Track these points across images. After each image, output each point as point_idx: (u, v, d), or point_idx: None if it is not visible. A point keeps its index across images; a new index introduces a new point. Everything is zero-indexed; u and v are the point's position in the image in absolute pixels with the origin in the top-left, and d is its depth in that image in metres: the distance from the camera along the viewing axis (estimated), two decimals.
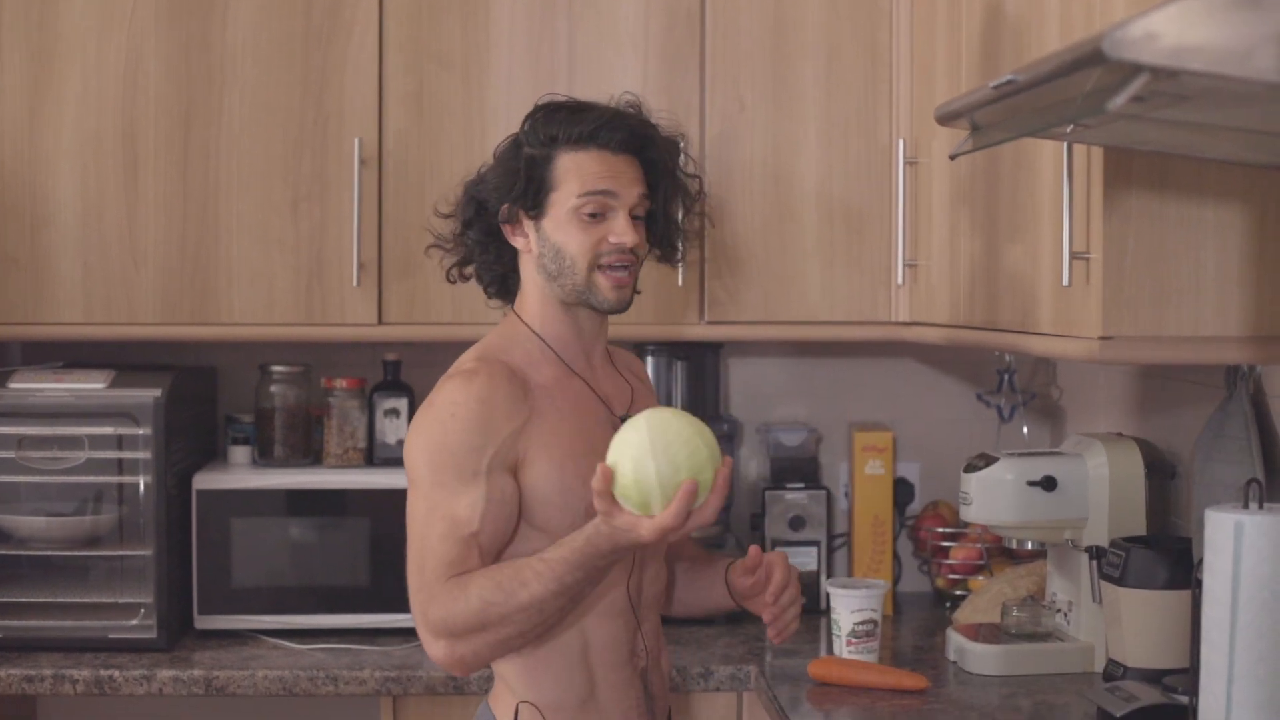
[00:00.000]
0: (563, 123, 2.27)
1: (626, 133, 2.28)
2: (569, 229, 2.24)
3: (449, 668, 2.17)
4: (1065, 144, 2.10)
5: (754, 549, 2.35)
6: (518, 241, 2.29)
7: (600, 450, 2.14)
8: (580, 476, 2.18)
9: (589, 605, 2.23)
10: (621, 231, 2.24)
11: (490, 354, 2.28)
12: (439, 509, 2.16)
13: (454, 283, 2.43)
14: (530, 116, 2.32)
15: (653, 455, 2.01)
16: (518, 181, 2.25)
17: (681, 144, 2.36)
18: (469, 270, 2.41)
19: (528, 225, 2.28)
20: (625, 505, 2.04)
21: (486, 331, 3.03)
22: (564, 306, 2.30)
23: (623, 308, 2.29)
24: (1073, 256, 2.11)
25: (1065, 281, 2.12)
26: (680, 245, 2.42)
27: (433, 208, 2.46)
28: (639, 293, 2.35)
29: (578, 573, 2.10)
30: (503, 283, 2.37)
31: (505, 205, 2.27)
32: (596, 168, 2.25)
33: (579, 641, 2.25)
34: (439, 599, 2.13)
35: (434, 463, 2.18)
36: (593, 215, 2.24)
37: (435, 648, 2.15)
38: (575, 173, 2.25)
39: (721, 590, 2.43)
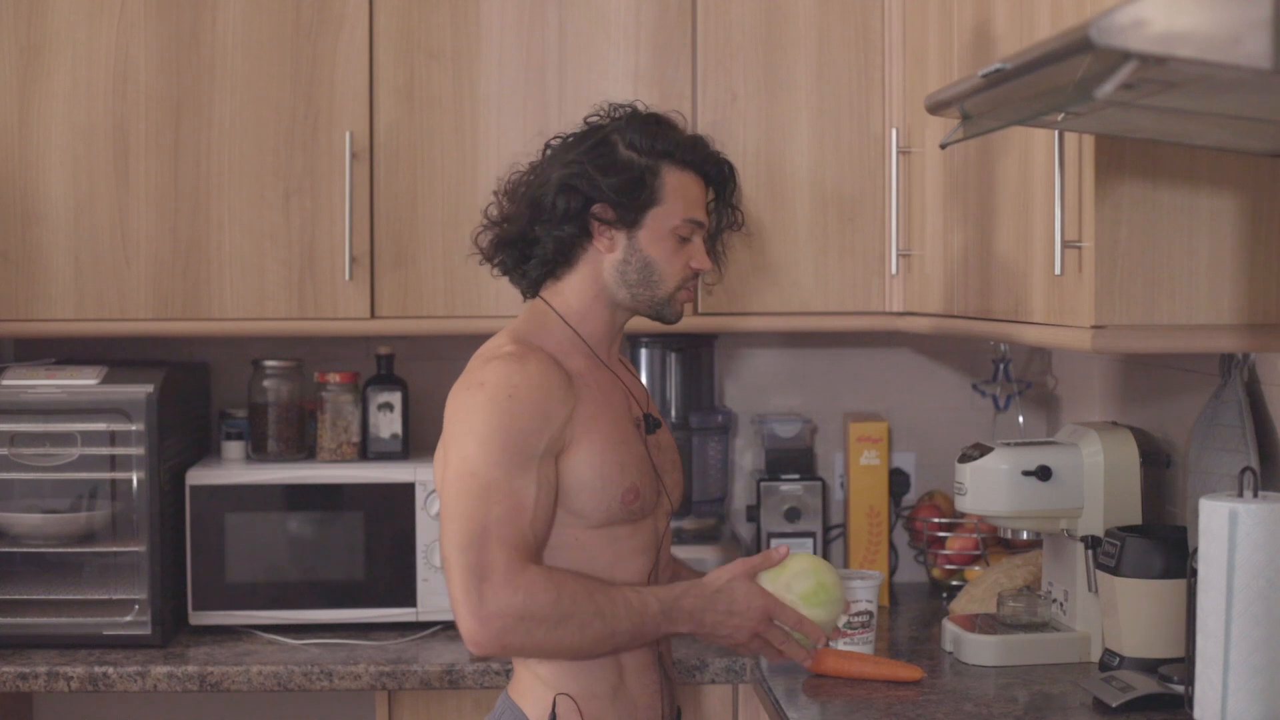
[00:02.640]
0: (671, 139, 2.33)
1: (722, 168, 2.39)
2: (665, 247, 2.31)
3: (482, 646, 2.14)
4: (1056, 132, 2.09)
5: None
6: (602, 242, 2.31)
7: (629, 444, 2.28)
8: (618, 464, 2.25)
9: None
10: (703, 259, 2.35)
11: (525, 339, 2.29)
12: (497, 489, 2.15)
13: (497, 277, 2.42)
14: (628, 122, 2.33)
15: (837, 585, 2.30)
16: (629, 188, 2.28)
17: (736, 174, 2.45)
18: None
19: (618, 232, 2.30)
20: (807, 605, 2.27)
21: (480, 325, 3.05)
22: (610, 307, 2.34)
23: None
24: (1065, 245, 2.11)
25: (1058, 270, 2.11)
26: (720, 266, 2.50)
27: (492, 191, 2.41)
28: None
29: (660, 617, 2.21)
30: (539, 278, 2.36)
31: (605, 205, 2.29)
32: (697, 193, 2.34)
33: None
34: (512, 581, 2.12)
35: (492, 443, 2.16)
36: (683, 239, 2.33)
37: (489, 625, 2.12)
38: (681, 194, 2.31)
39: None
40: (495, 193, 2.41)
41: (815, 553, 3.26)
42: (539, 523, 2.18)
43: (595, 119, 2.37)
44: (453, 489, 2.18)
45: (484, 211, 2.40)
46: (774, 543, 3.24)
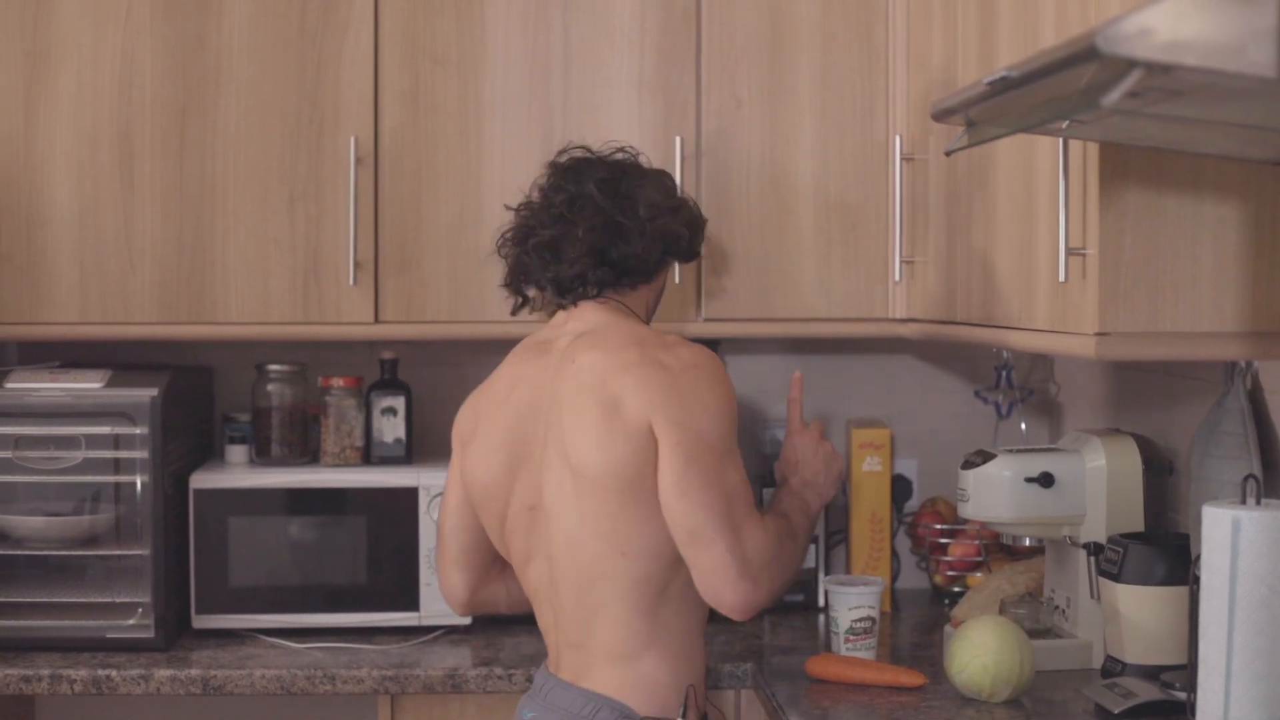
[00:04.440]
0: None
1: None
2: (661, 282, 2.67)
3: (759, 604, 2.34)
4: (1061, 140, 2.09)
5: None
6: (659, 277, 2.62)
7: None
8: None
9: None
10: None
11: (648, 330, 2.55)
12: (733, 458, 2.37)
13: (594, 295, 2.56)
14: (686, 202, 2.66)
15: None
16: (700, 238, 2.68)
17: None
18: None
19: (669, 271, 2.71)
20: (966, 679, 2.50)
21: (483, 330, 3.06)
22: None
23: None
24: (1069, 252, 2.11)
25: (1062, 277, 2.11)
26: None
27: (523, 202, 2.62)
28: None
29: (805, 523, 2.54)
30: (633, 282, 2.58)
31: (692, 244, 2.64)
32: None
33: (703, 615, 2.48)
34: (761, 536, 2.36)
35: (723, 418, 2.38)
36: None
37: (759, 585, 2.33)
38: None
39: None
40: (541, 203, 2.58)
41: (816, 560, 3.26)
42: None
43: (622, 155, 2.61)
44: (695, 465, 2.31)
45: (524, 221, 2.58)
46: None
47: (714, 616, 3.14)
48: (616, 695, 2.37)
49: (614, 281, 2.53)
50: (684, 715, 2.37)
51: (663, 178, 2.62)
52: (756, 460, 3.49)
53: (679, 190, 2.70)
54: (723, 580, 2.31)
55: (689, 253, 2.65)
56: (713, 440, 2.34)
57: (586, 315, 2.51)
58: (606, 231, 2.50)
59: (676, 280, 3.05)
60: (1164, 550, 2.55)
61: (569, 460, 2.36)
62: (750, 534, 2.33)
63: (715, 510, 2.31)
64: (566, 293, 2.53)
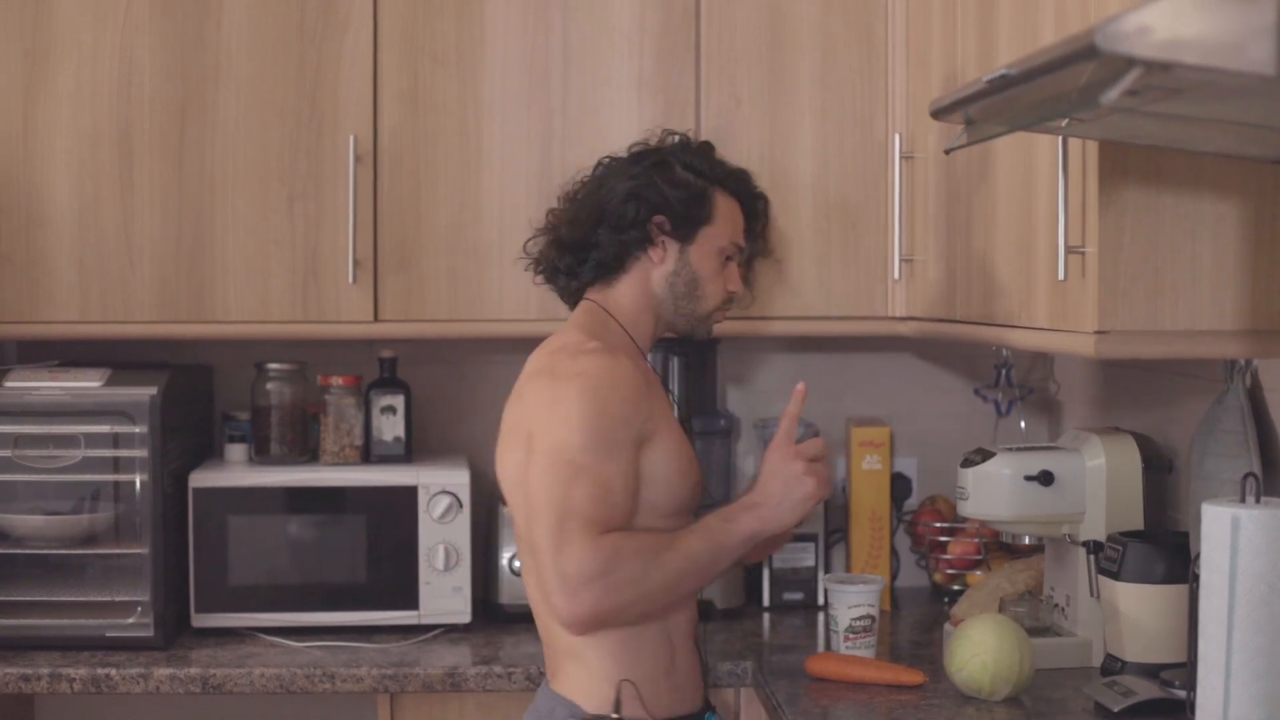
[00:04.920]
0: (723, 167, 2.55)
1: (764, 203, 2.62)
2: (711, 265, 2.49)
3: (580, 621, 2.25)
4: (1060, 138, 2.09)
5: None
6: (657, 252, 2.47)
7: (685, 438, 2.45)
8: (689, 458, 2.42)
9: None
10: (739, 282, 2.55)
11: (588, 335, 2.44)
12: (585, 473, 2.26)
13: (537, 271, 2.59)
14: (682, 148, 2.54)
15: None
16: (687, 204, 2.47)
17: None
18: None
19: (671, 245, 2.48)
20: (965, 677, 2.49)
21: (482, 328, 3.06)
22: (655, 315, 2.51)
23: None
24: (1068, 251, 2.11)
25: (1061, 276, 2.11)
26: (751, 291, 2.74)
27: (556, 198, 2.61)
28: None
29: (728, 541, 2.34)
30: (599, 277, 2.51)
31: (666, 216, 2.46)
32: (740, 219, 2.55)
33: (664, 617, 2.39)
34: (597, 549, 2.23)
35: (590, 429, 2.28)
36: (726, 260, 2.52)
37: (580, 596, 2.23)
38: (729, 217, 2.52)
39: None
40: (558, 199, 2.59)
41: (816, 559, 3.26)
42: (623, 507, 2.30)
43: (640, 145, 2.56)
44: (545, 475, 2.28)
45: (546, 219, 2.57)
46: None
47: (713, 615, 3.16)
48: (569, 694, 2.37)
49: (582, 281, 2.51)
50: (617, 710, 2.34)
51: (638, 160, 2.52)
52: (757, 459, 3.49)
53: (675, 165, 2.51)
54: (548, 590, 2.26)
55: (644, 218, 2.46)
56: (569, 452, 2.27)
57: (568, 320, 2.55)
58: (566, 233, 2.52)
59: None
60: (1163, 548, 2.55)
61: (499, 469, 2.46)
62: (575, 550, 2.22)
63: (547, 522, 2.26)
64: (561, 298, 2.59)
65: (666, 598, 2.32)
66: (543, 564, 2.26)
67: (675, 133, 2.59)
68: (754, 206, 2.60)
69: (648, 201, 2.46)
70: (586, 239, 2.48)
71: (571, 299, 2.56)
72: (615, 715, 2.35)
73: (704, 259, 2.48)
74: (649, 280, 2.48)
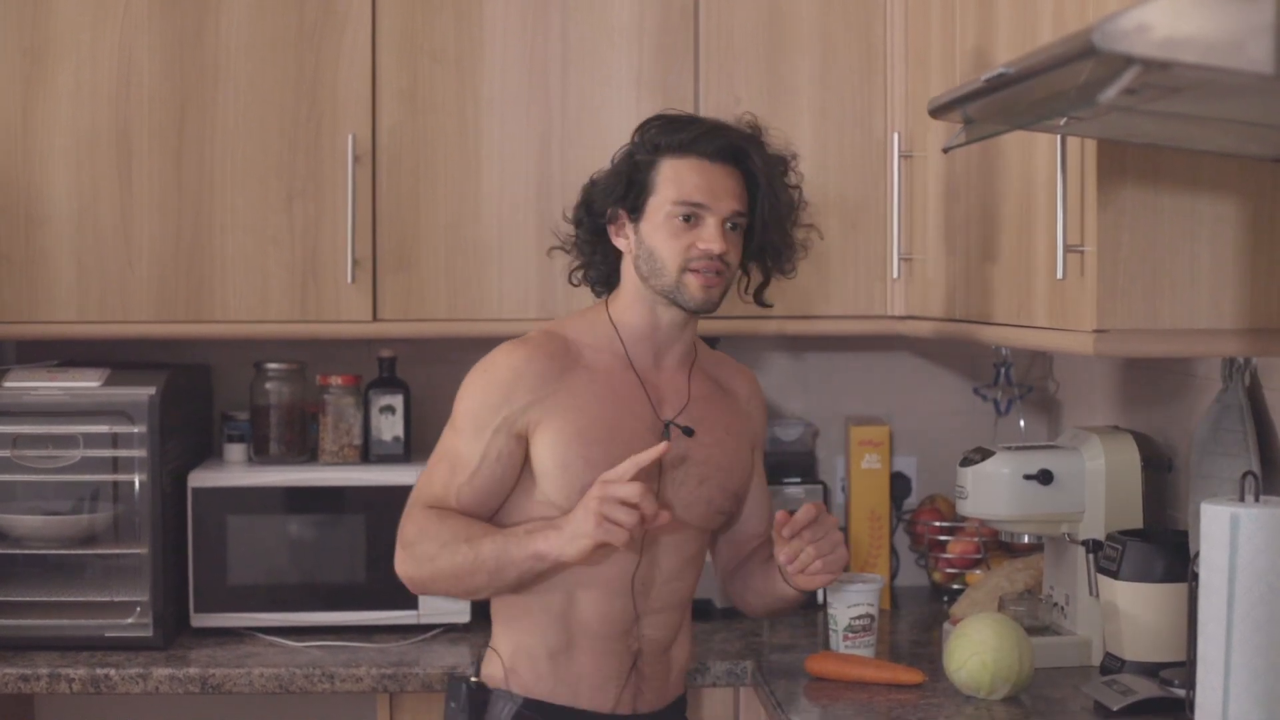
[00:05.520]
0: (667, 130, 2.42)
1: (724, 143, 2.41)
2: (662, 233, 2.39)
3: (402, 579, 2.42)
4: (1059, 137, 2.09)
5: (781, 514, 2.42)
6: (619, 242, 2.45)
7: (621, 442, 2.35)
8: (585, 459, 2.35)
9: (582, 573, 2.37)
10: (710, 239, 2.37)
11: (557, 328, 2.49)
12: (448, 449, 2.41)
13: (576, 285, 2.58)
14: (642, 125, 2.46)
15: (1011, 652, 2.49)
16: (620, 185, 2.42)
17: (791, 159, 2.50)
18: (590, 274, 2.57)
19: (628, 227, 2.43)
20: (965, 676, 2.50)
21: (482, 328, 3.06)
22: (650, 305, 2.45)
23: (710, 308, 2.42)
24: (1067, 249, 2.11)
25: (1060, 274, 2.11)
26: (787, 256, 2.52)
27: (561, 212, 2.60)
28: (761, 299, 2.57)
29: (515, 553, 2.32)
30: (608, 281, 2.52)
31: (609, 206, 2.44)
32: (693, 177, 2.39)
33: (563, 602, 2.40)
34: (416, 519, 2.39)
35: (460, 410, 2.42)
36: (686, 220, 2.38)
37: (398, 559, 2.41)
38: (674, 180, 2.39)
39: (779, 575, 2.50)
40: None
41: None
42: (475, 489, 2.38)
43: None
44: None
45: (557, 235, 2.61)
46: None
47: (712, 615, 3.16)
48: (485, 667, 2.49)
49: (600, 290, 2.55)
50: (476, 674, 2.46)
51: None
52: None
53: (628, 150, 2.45)
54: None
55: (594, 217, 2.46)
56: (452, 419, 2.43)
57: None
58: (567, 246, 2.58)
59: None
60: (1163, 547, 2.55)
61: None
62: (406, 516, 2.41)
63: (419, 481, 2.45)
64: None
65: (463, 584, 2.38)
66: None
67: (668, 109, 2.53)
68: (715, 154, 2.38)
69: (591, 198, 2.48)
70: (576, 248, 2.53)
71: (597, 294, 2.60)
72: (474, 678, 2.45)
73: (654, 229, 2.38)
74: (629, 269, 2.45)
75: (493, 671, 2.45)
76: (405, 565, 2.40)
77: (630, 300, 2.46)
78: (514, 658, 2.43)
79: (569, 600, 2.40)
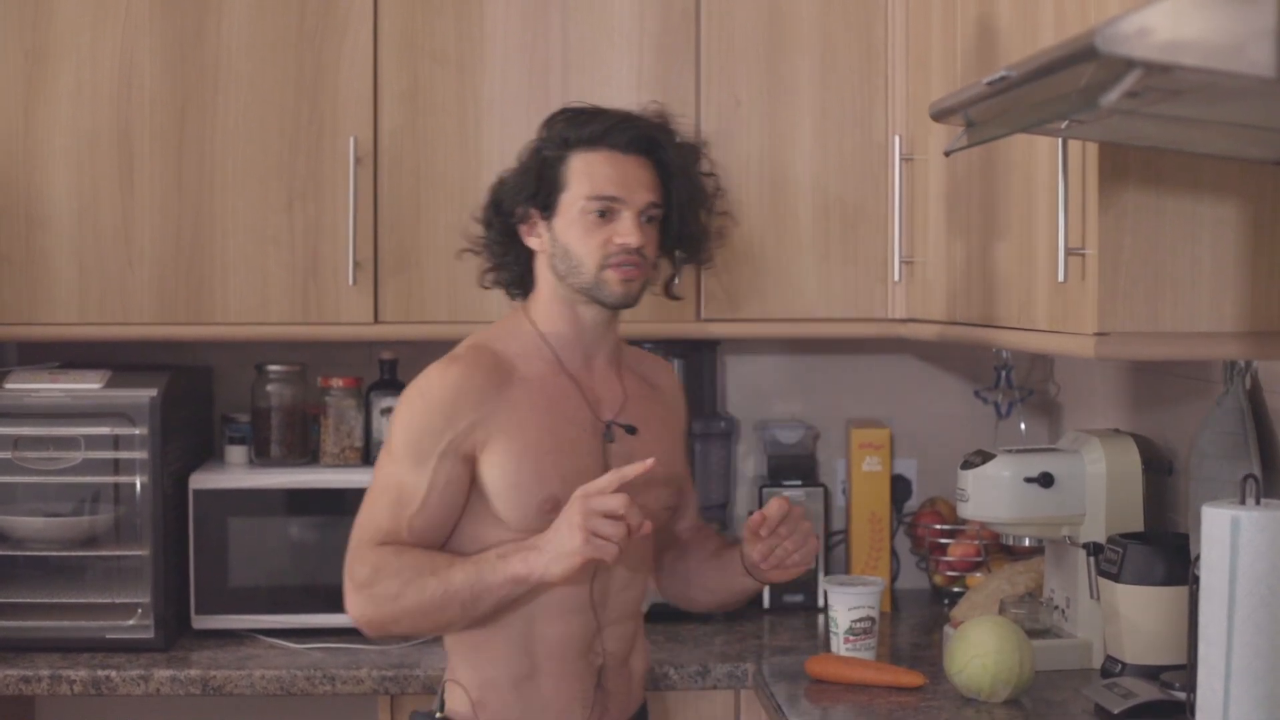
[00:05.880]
0: (575, 124, 2.35)
1: (635, 133, 2.34)
2: (577, 229, 2.31)
3: (359, 625, 2.31)
4: (1060, 140, 2.09)
5: (755, 516, 2.38)
6: (532, 241, 2.37)
7: (568, 452, 2.30)
8: (536, 473, 2.29)
9: (539, 597, 2.29)
10: (627, 232, 2.30)
11: (483, 342, 2.38)
12: (391, 480, 2.30)
13: (487, 288, 2.50)
14: (548, 120, 2.39)
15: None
16: (530, 182, 2.34)
17: (701, 147, 2.46)
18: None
19: (541, 225, 2.35)
20: (965, 679, 2.49)
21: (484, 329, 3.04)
22: (570, 305, 2.37)
23: (630, 303, 2.35)
24: (1068, 252, 2.11)
25: (1061, 277, 2.11)
26: (704, 246, 2.46)
27: (469, 213, 2.52)
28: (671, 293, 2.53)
29: (491, 580, 2.23)
30: (521, 283, 2.44)
31: (519, 206, 2.36)
32: (606, 170, 2.32)
33: (523, 627, 2.32)
34: (367, 559, 2.27)
35: (399, 438, 2.31)
36: (601, 214, 2.31)
37: (352, 603, 2.29)
38: (585, 175, 2.32)
39: (740, 569, 2.46)
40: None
41: (816, 561, 3.26)
42: (426, 518, 2.28)
43: None
44: (374, 474, 2.35)
45: (465, 237, 2.50)
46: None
47: (713, 617, 3.16)
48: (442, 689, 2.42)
49: (516, 292, 2.46)
50: (440, 709, 2.37)
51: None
52: (757, 461, 3.49)
53: (534, 146, 2.39)
54: (345, 584, 2.31)
55: (503, 216, 2.40)
56: (385, 457, 2.32)
57: None
58: (478, 247, 2.50)
59: (676, 280, 3.05)
60: (1163, 550, 2.55)
61: None
62: (355, 555, 2.29)
63: (357, 519, 2.33)
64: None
65: (433, 620, 2.28)
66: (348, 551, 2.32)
67: (572, 103, 2.43)
68: (626, 145, 2.32)
69: (497, 199, 2.40)
70: (485, 250, 2.45)
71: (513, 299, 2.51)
72: (439, 714, 2.36)
73: (567, 225, 2.31)
74: (544, 269, 2.37)
75: (458, 706, 2.35)
76: (363, 607, 2.27)
77: (549, 302, 2.38)
78: (481, 690, 2.34)
79: (529, 624, 2.32)
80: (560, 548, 2.19)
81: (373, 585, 2.26)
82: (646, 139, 2.35)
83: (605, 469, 2.31)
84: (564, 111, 2.39)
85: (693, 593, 2.58)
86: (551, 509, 2.26)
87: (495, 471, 2.28)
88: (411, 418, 2.31)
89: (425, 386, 2.32)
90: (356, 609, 2.29)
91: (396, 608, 2.25)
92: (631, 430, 2.38)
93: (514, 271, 2.42)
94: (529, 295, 2.43)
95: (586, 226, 2.31)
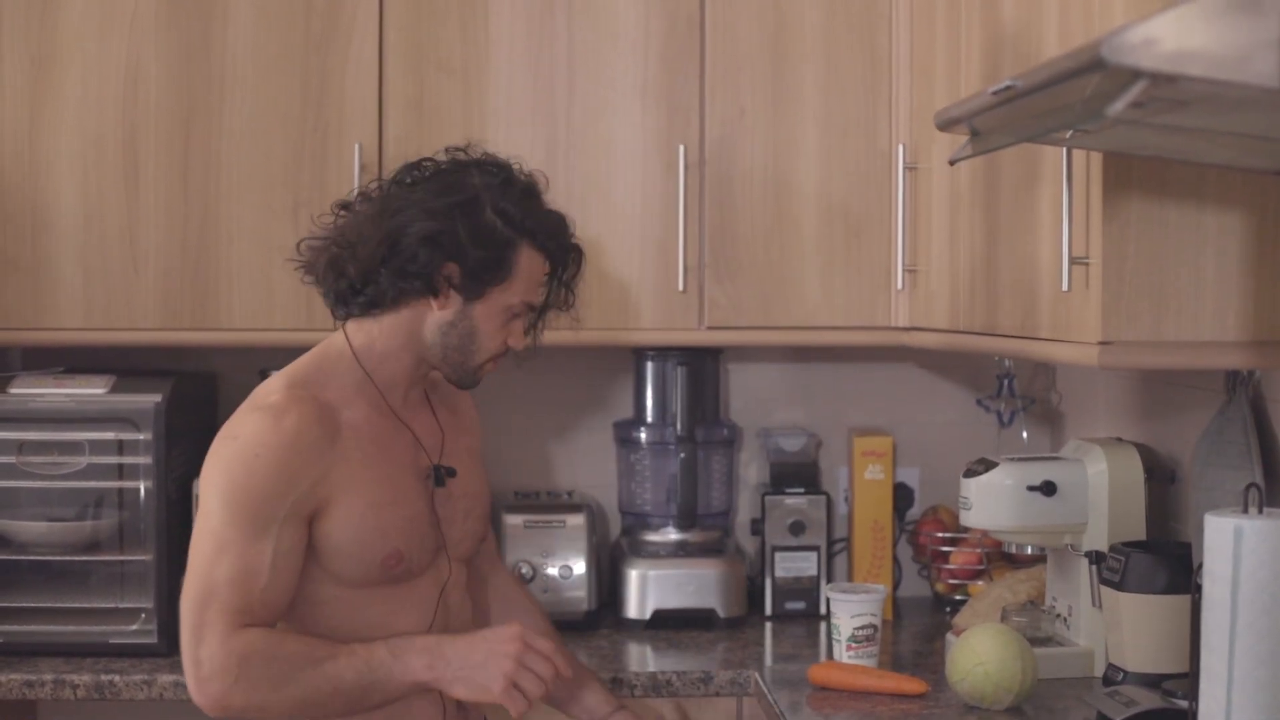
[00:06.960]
0: (537, 218, 2.30)
1: (576, 257, 2.37)
2: (494, 324, 2.28)
3: (206, 709, 2.14)
4: (1065, 149, 2.10)
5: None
6: (438, 301, 2.26)
7: (406, 501, 2.24)
8: (379, 529, 2.21)
9: (376, 636, 2.21)
10: (519, 339, 2.33)
11: (302, 384, 2.24)
12: (230, 551, 2.13)
13: (331, 307, 2.35)
14: (502, 189, 2.29)
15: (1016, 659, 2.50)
16: (492, 263, 2.24)
17: (571, 224, 2.41)
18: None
19: (456, 297, 2.26)
20: (968, 686, 2.48)
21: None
22: (419, 362, 2.31)
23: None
24: (1072, 261, 2.12)
25: (1065, 286, 2.12)
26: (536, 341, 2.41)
27: (334, 203, 2.39)
28: None
29: (387, 680, 2.14)
30: (364, 310, 2.28)
31: (459, 270, 2.24)
32: (538, 276, 2.32)
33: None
34: (230, 646, 2.10)
35: (232, 502, 2.14)
36: (515, 316, 2.31)
37: (206, 688, 2.11)
38: (526, 277, 2.29)
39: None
40: (336, 205, 2.38)
41: (818, 569, 3.26)
42: (275, 588, 2.15)
43: (460, 155, 2.34)
44: (196, 541, 2.17)
45: (334, 217, 2.36)
46: (778, 556, 3.25)
47: (715, 624, 3.16)
48: None
49: (346, 305, 2.28)
50: None
51: (447, 191, 2.26)
52: (759, 469, 3.50)
53: (486, 208, 2.25)
54: (184, 664, 2.13)
55: (436, 267, 2.21)
56: (213, 522, 2.13)
57: None
58: (352, 255, 2.25)
59: (679, 288, 3.06)
60: (1166, 559, 2.55)
61: None
62: (209, 641, 2.10)
63: (190, 594, 2.14)
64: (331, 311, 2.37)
65: (308, 713, 2.16)
66: (183, 637, 2.13)
67: (494, 164, 2.32)
68: (564, 260, 2.34)
69: (442, 250, 2.21)
70: (366, 275, 2.23)
71: (341, 320, 2.34)
72: None
73: (488, 316, 2.27)
74: (421, 324, 2.27)
75: None
76: (228, 696, 2.10)
77: (396, 346, 2.28)
78: None
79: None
80: (474, 676, 2.16)
81: (238, 676, 2.09)
82: (574, 261, 2.37)
83: (434, 514, 2.28)
84: (521, 189, 2.31)
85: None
86: (395, 563, 2.22)
87: (337, 529, 2.18)
88: (248, 480, 2.13)
89: (255, 444, 2.14)
90: (211, 697, 2.11)
91: (278, 696, 2.12)
92: (452, 473, 2.33)
93: (369, 299, 2.26)
94: (361, 322, 2.29)
95: (501, 323, 2.29)
